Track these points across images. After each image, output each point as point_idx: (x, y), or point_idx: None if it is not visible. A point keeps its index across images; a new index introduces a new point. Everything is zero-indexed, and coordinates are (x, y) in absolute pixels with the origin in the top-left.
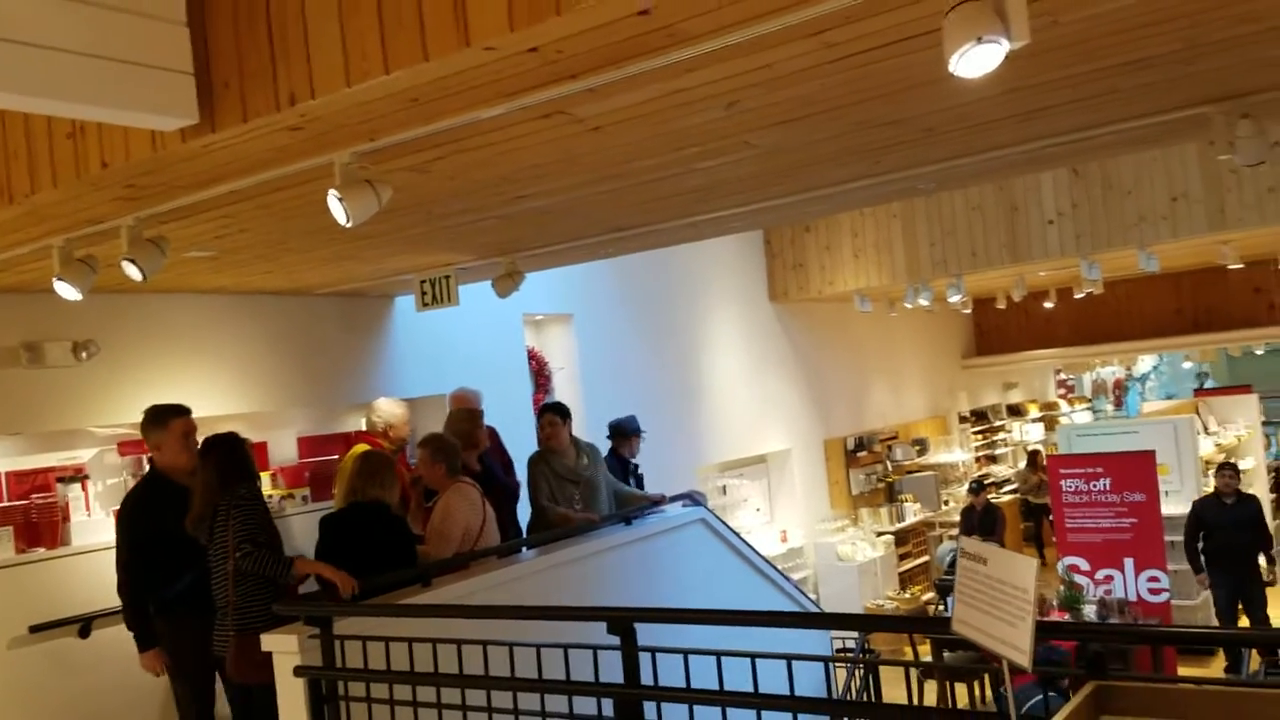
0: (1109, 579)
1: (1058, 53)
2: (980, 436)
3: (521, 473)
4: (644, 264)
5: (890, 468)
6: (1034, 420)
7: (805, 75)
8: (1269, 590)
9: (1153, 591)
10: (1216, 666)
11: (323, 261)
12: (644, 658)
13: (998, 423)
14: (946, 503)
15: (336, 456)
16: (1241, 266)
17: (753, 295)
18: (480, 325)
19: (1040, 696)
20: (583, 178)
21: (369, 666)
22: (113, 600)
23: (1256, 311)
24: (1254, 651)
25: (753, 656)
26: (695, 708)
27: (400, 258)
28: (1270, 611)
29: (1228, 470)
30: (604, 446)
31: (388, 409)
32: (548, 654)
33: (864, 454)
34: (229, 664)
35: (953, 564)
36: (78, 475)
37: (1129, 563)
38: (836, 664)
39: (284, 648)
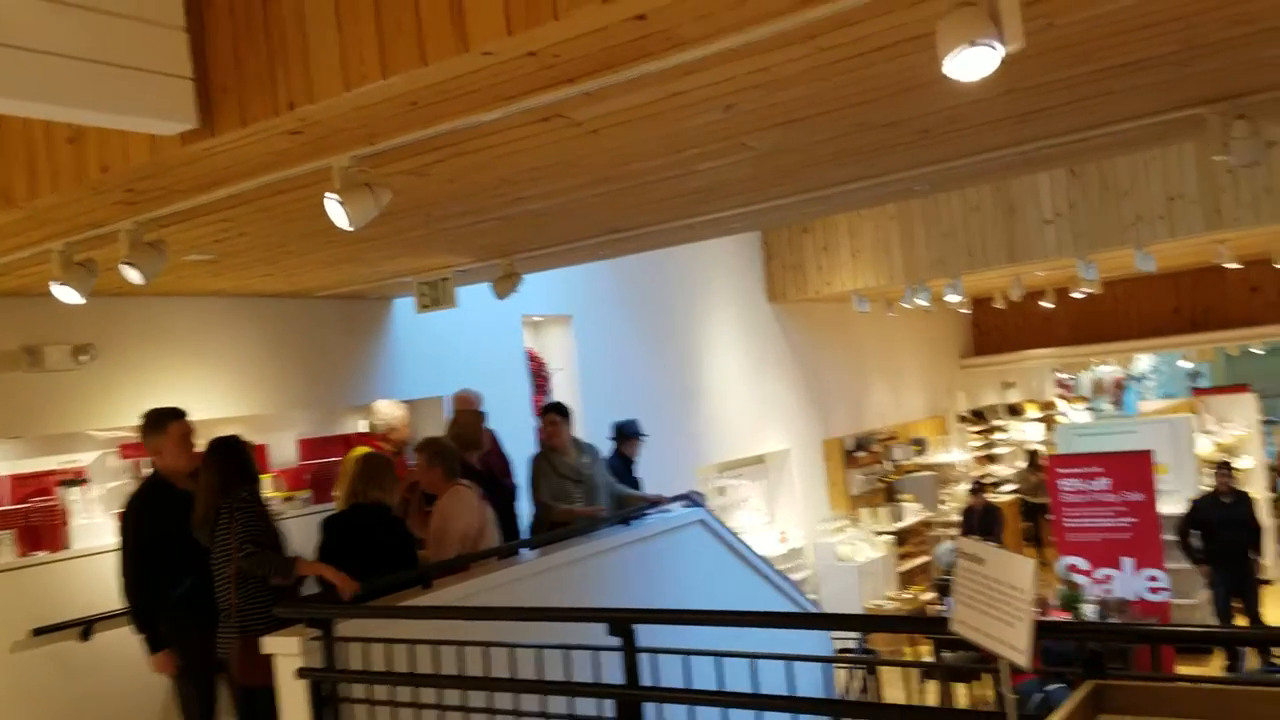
0: (1108, 578)
1: (1053, 55)
2: (979, 436)
3: (521, 472)
4: (642, 265)
5: (889, 468)
6: (1033, 420)
7: (802, 78)
8: (1265, 588)
9: (1151, 590)
10: (1215, 665)
11: (322, 264)
12: (644, 659)
13: (996, 422)
14: (945, 503)
15: (337, 458)
16: (1238, 266)
17: (751, 296)
18: (479, 327)
19: (1045, 690)
20: (581, 180)
21: (370, 668)
22: (114, 603)
23: (1254, 310)
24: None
25: (752, 657)
26: (695, 708)
27: (399, 260)
28: (1265, 610)
29: (1223, 469)
30: (605, 447)
31: (387, 411)
32: (548, 655)
33: (863, 454)
34: (232, 666)
35: (952, 564)
36: (78, 479)
37: (1128, 562)
38: (837, 664)
39: (286, 650)
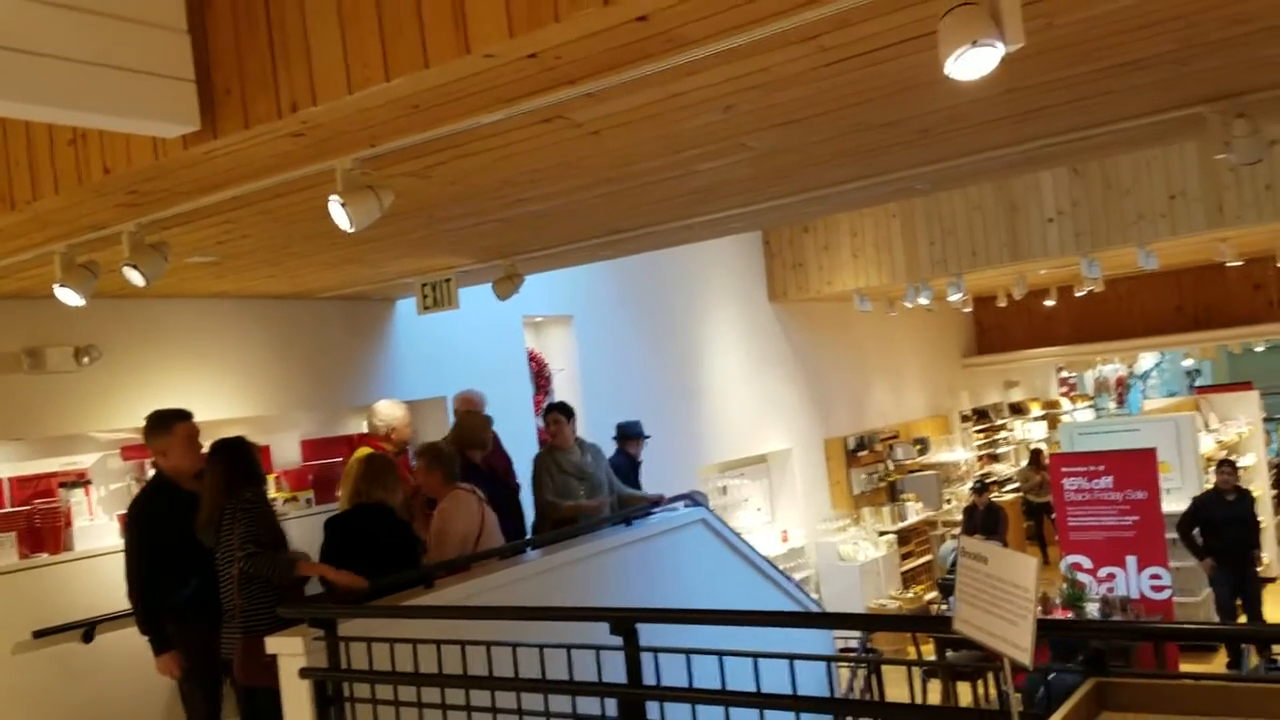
0: (1111, 577)
1: (1053, 54)
2: (982, 435)
3: (523, 472)
4: (643, 265)
5: (891, 467)
6: (1036, 419)
7: (802, 78)
8: (1268, 586)
9: (1155, 589)
10: (1219, 663)
11: (324, 266)
12: (646, 658)
13: (999, 421)
14: (949, 501)
15: (340, 459)
16: (1240, 263)
17: (752, 295)
18: (481, 327)
19: (1049, 679)
20: (582, 181)
21: (373, 668)
22: (116, 605)
23: (1256, 308)
24: (1254, 647)
25: (755, 656)
26: (698, 707)
27: (401, 261)
28: (1266, 607)
29: (1226, 467)
30: (608, 447)
31: (388, 411)
32: (551, 654)
33: (865, 453)
34: (236, 667)
35: (955, 563)
36: (80, 480)
37: (1131, 560)
38: (839, 664)
39: (289, 650)
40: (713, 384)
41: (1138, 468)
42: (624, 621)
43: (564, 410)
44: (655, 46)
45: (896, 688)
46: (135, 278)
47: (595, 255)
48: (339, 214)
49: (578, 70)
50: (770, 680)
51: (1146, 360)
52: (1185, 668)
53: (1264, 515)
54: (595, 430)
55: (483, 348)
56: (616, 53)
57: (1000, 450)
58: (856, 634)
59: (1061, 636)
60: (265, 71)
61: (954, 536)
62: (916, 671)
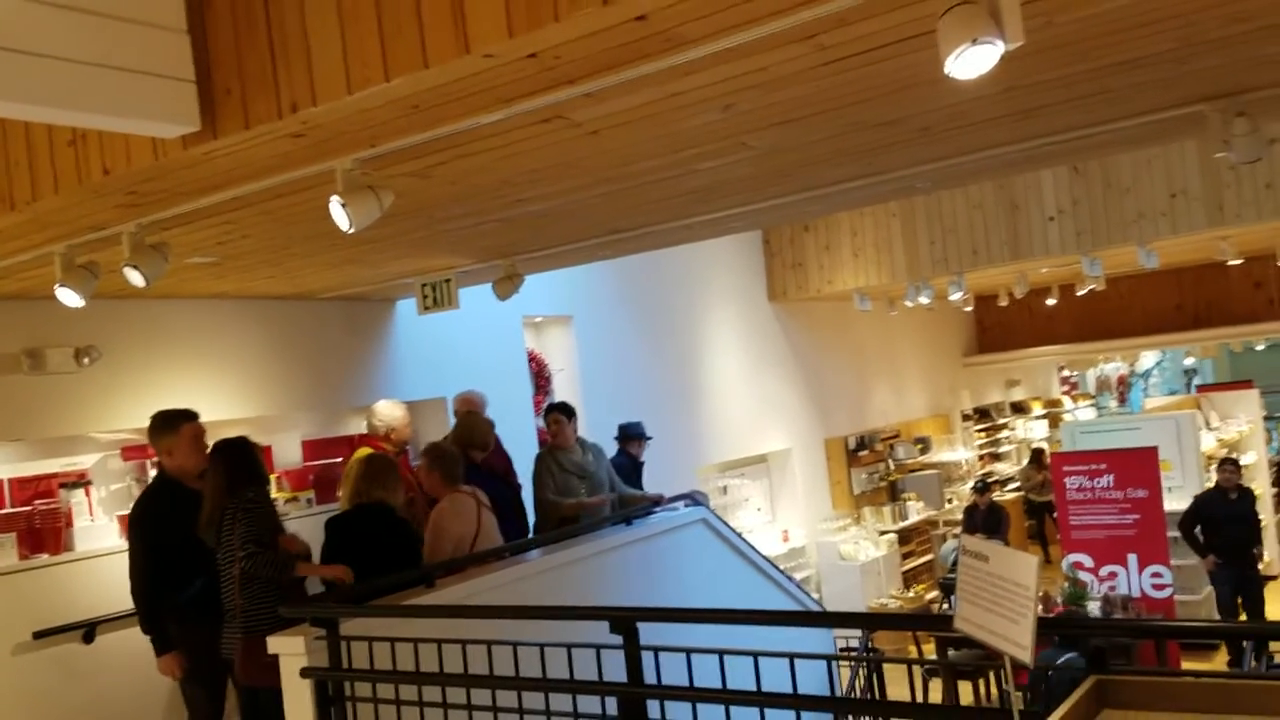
0: (1113, 575)
1: (1053, 53)
2: (983, 434)
3: (523, 472)
4: (643, 265)
5: (892, 466)
6: (1037, 417)
7: (801, 77)
8: (1269, 584)
9: (1156, 587)
10: (1220, 661)
11: (325, 266)
12: (647, 657)
13: (1001, 420)
14: (950, 501)
15: (340, 459)
16: (1241, 262)
17: (752, 295)
18: (481, 328)
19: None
20: (581, 181)
21: (375, 667)
22: (116, 605)
23: (1256, 307)
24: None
25: (755, 655)
26: (698, 706)
27: (401, 261)
28: (1268, 607)
29: (1229, 465)
30: (608, 447)
31: (387, 411)
32: (551, 653)
33: (865, 453)
34: (237, 667)
35: (956, 562)
36: (80, 481)
37: (1132, 559)
38: (840, 663)
39: (290, 649)
40: (713, 384)
41: (1139, 466)
42: (624, 620)
43: (565, 410)
44: (654, 46)
45: (898, 686)
46: (135, 278)
47: (595, 255)
48: (339, 214)
49: (577, 70)
50: (771, 679)
51: (1148, 359)
52: (1186, 666)
53: (1264, 513)
54: (595, 430)
55: (483, 348)
56: (615, 52)
57: (1002, 449)
58: (857, 633)
59: (1062, 634)
60: (265, 72)
61: (955, 536)
62: (917, 670)
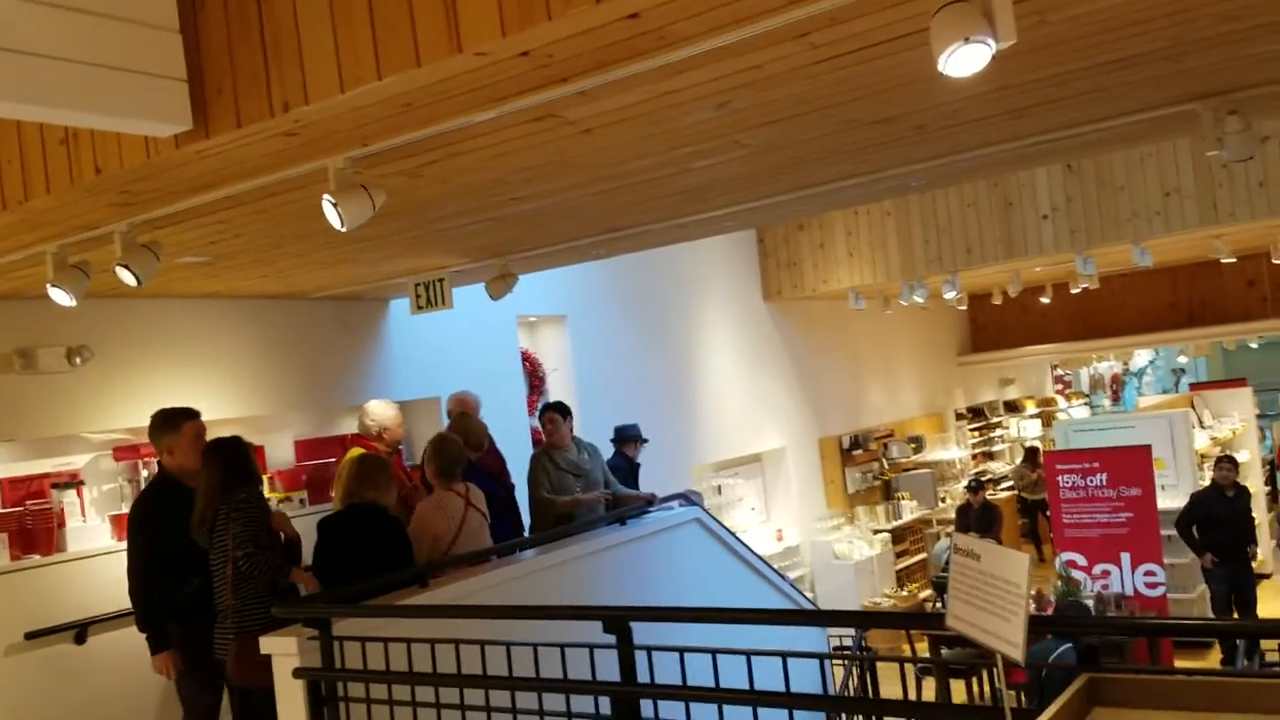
0: (1106, 574)
1: (1046, 51)
2: (977, 433)
3: (517, 471)
4: (637, 264)
5: (886, 465)
6: (1031, 416)
7: (794, 75)
8: (1262, 582)
9: (1149, 585)
10: (1213, 660)
11: (317, 265)
12: (640, 656)
13: (995, 419)
14: (944, 500)
15: (334, 459)
16: (1234, 260)
17: (746, 294)
18: (474, 327)
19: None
20: (575, 179)
21: (368, 667)
22: (108, 606)
23: (1250, 305)
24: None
25: (748, 654)
26: (691, 705)
27: (395, 261)
28: (1261, 605)
29: (1226, 463)
30: (603, 447)
31: (380, 411)
32: (545, 653)
33: (860, 452)
34: (230, 667)
35: (949, 561)
36: (73, 481)
37: (1125, 557)
38: (834, 662)
39: (283, 650)
40: (707, 383)
41: (1132, 465)
42: (617, 620)
43: (560, 409)
44: (646, 44)
45: (892, 687)
46: (127, 278)
47: (589, 254)
48: (331, 213)
49: (570, 68)
50: (764, 678)
51: (1141, 357)
52: (1180, 665)
53: (1258, 512)
54: (589, 430)
55: (476, 348)
56: (608, 50)
57: (995, 448)
58: (851, 632)
59: (1055, 631)
60: (257, 70)
61: (949, 535)
62: (910, 668)
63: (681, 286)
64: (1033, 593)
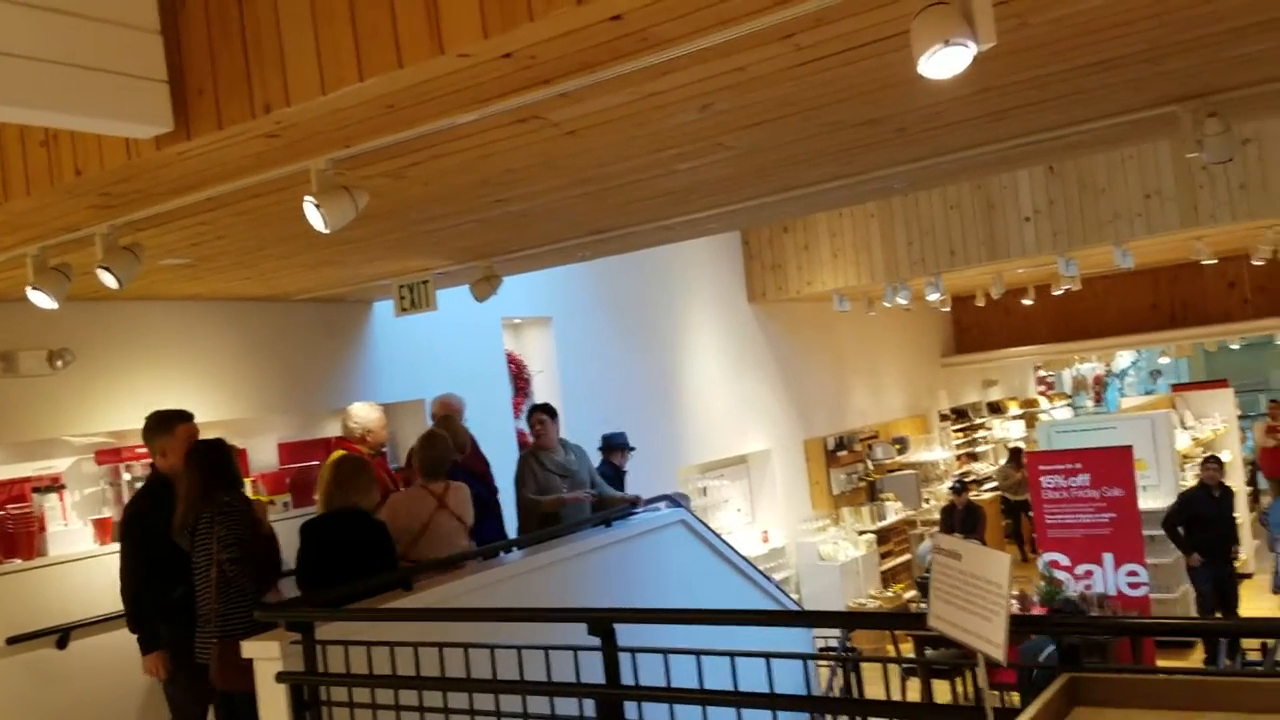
0: (1089, 574)
1: (1026, 54)
2: (961, 434)
3: (502, 473)
4: (622, 266)
5: (871, 467)
6: (1014, 417)
7: (777, 77)
8: (1244, 582)
9: (1132, 586)
10: (1196, 659)
11: (300, 267)
12: (625, 658)
13: (978, 420)
14: (927, 501)
15: (317, 462)
16: (1215, 262)
17: (731, 296)
18: (459, 329)
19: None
20: (559, 181)
21: (351, 671)
22: (90, 610)
23: (1230, 306)
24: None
25: (732, 655)
26: (676, 706)
27: (378, 263)
28: (1242, 605)
29: (1213, 463)
30: (589, 449)
31: (363, 413)
32: (529, 655)
33: (844, 453)
34: (213, 671)
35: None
36: (54, 485)
37: (1108, 558)
38: (818, 663)
39: (265, 654)
40: (692, 385)
41: (1114, 465)
42: (601, 622)
43: (548, 411)
44: (630, 46)
45: (877, 687)
46: (108, 280)
47: (573, 256)
48: (314, 215)
49: (553, 70)
50: (748, 679)
51: (1124, 358)
52: (1162, 664)
53: (1240, 512)
54: (574, 432)
55: (461, 350)
56: (591, 52)
57: (979, 449)
58: (836, 633)
59: (1036, 632)
60: (239, 72)
61: (933, 536)
62: (894, 669)
63: (667, 288)
64: (1015, 593)
